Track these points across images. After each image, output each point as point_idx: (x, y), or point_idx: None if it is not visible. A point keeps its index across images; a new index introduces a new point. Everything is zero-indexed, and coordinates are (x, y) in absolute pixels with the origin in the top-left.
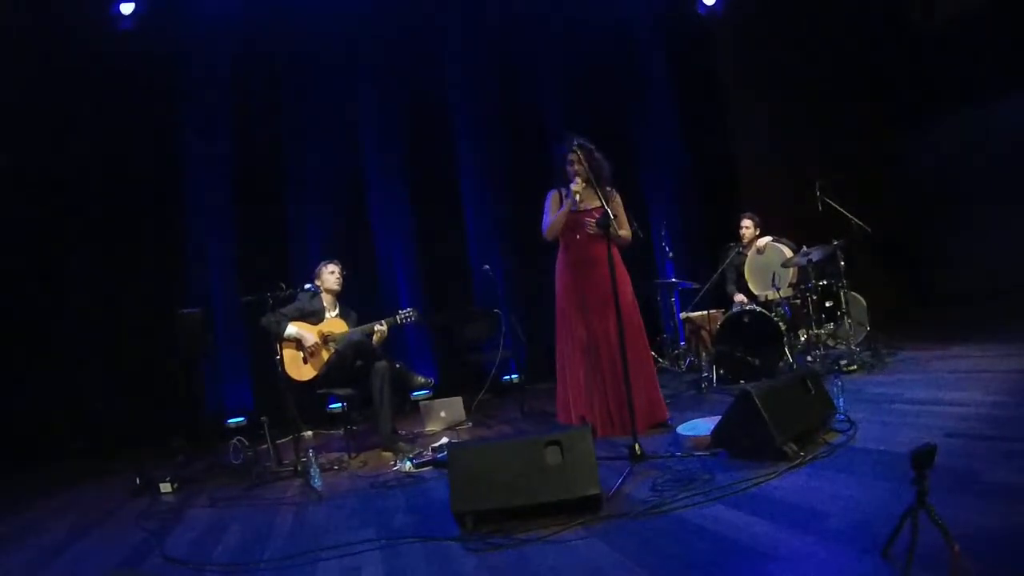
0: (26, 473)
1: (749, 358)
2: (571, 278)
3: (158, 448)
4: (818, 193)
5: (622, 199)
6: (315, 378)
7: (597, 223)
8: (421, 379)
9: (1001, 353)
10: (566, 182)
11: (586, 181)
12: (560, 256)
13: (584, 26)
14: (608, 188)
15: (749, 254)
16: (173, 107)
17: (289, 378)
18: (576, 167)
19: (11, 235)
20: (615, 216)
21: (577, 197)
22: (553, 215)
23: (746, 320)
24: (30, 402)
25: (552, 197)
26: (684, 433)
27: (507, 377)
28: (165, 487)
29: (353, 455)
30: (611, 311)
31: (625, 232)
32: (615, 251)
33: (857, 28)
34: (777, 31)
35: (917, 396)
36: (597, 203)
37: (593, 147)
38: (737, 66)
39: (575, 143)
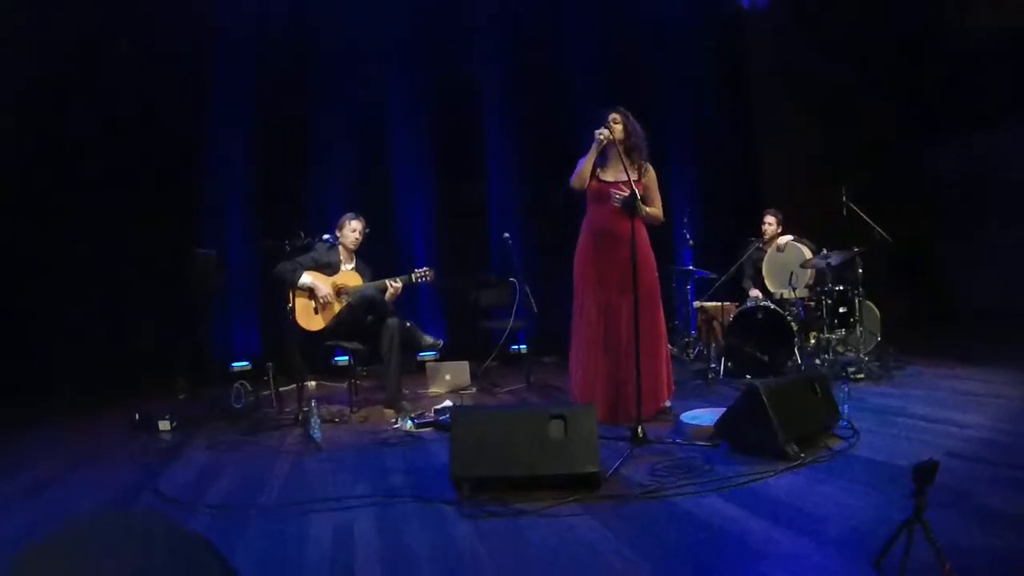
0: (27, 404)
1: (758, 354)
2: (591, 252)
3: (160, 385)
4: (844, 198)
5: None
6: (324, 329)
7: (623, 202)
8: (430, 340)
9: (1011, 380)
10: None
11: (624, 148)
12: (584, 227)
13: (621, 6)
14: (643, 162)
15: (769, 251)
16: (202, 49)
17: (299, 327)
18: (613, 126)
19: (31, 166)
20: (647, 191)
21: (602, 138)
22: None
23: (759, 316)
24: (37, 333)
25: (583, 159)
26: (687, 421)
27: (515, 347)
28: (164, 425)
29: (355, 409)
30: (629, 291)
31: (656, 210)
32: (642, 229)
33: (895, 37)
34: (816, 32)
35: (921, 412)
36: (632, 174)
37: (631, 116)
38: (773, 63)
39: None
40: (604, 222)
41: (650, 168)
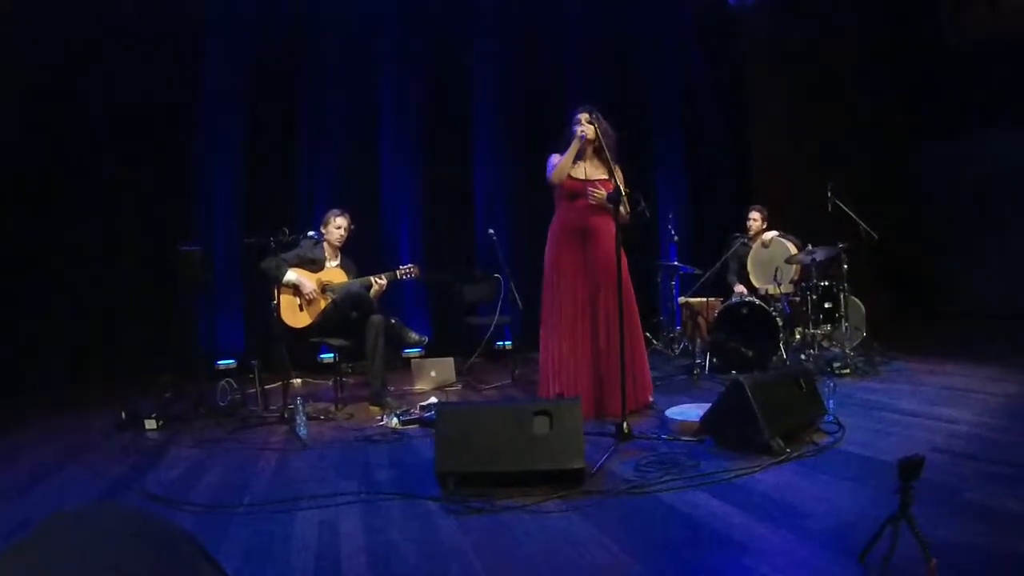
0: (11, 400)
1: (743, 349)
2: (567, 248)
3: (146, 383)
4: (829, 194)
5: (624, 176)
6: (310, 326)
7: (608, 198)
8: (415, 336)
9: (995, 376)
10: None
11: (595, 148)
12: (556, 224)
13: (612, 3)
14: (614, 163)
15: (754, 246)
16: (193, 41)
17: (284, 324)
18: (587, 126)
19: (15, 159)
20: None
21: (586, 135)
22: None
23: (744, 312)
24: (22, 328)
25: (554, 156)
26: (672, 417)
27: (500, 343)
28: (150, 423)
29: (340, 406)
30: (610, 286)
31: (625, 209)
32: (614, 225)
33: (889, 38)
34: (806, 30)
35: (906, 407)
36: (603, 174)
37: (601, 117)
38: (763, 59)
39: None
40: (579, 219)
41: (618, 167)
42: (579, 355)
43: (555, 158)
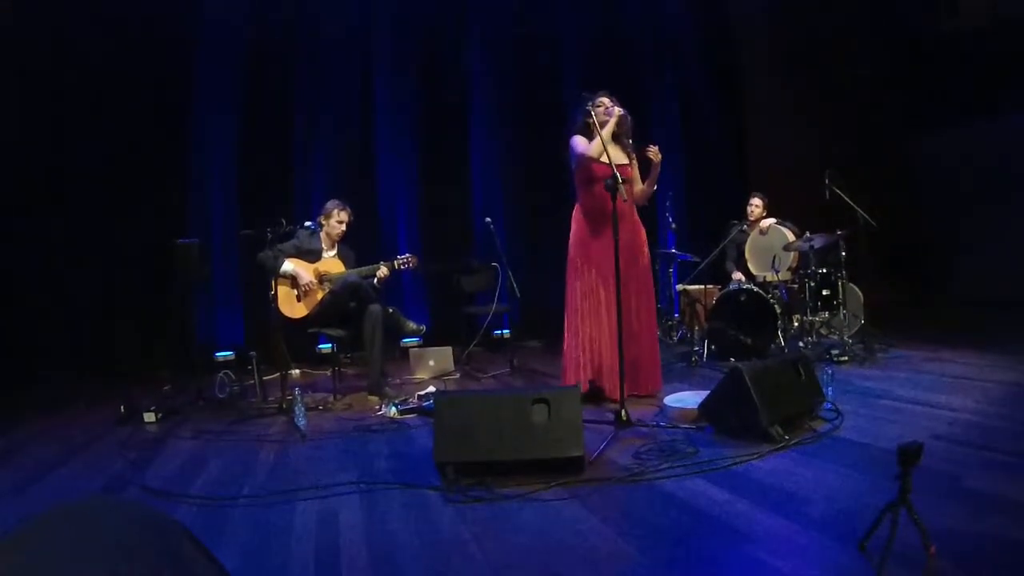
0: (10, 395)
1: (742, 337)
2: (596, 233)
3: (145, 376)
4: (827, 181)
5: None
6: (307, 317)
7: (605, 185)
8: (413, 325)
9: (994, 363)
10: (588, 134)
11: (614, 134)
12: (582, 209)
13: None
14: (631, 149)
15: (752, 234)
16: (186, 33)
17: (281, 315)
18: (603, 110)
19: (12, 155)
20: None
21: (623, 112)
22: (590, 144)
23: (742, 299)
24: (19, 324)
25: (577, 138)
26: (671, 404)
27: (498, 332)
28: (149, 417)
29: (339, 397)
30: (637, 269)
31: (643, 188)
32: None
33: (885, 26)
34: (804, 18)
35: (905, 394)
36: (624, 159)
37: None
38: (760, 47)
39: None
40: (605, 204)
41: (633, 151)
42: (614, 339)
43: (580, 139)
